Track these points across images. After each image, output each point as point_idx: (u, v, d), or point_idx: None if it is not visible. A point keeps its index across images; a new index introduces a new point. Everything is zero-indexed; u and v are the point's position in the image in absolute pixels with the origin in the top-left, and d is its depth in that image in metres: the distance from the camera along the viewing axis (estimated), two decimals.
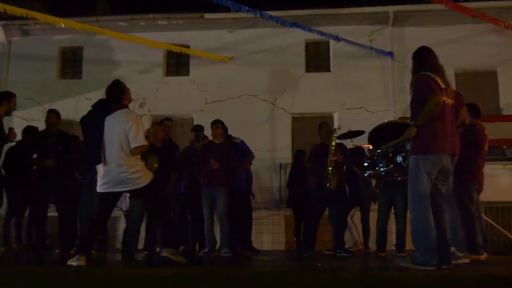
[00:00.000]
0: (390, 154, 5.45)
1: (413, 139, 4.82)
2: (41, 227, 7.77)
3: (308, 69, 14.13)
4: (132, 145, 5.28)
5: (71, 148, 7.99)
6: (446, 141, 4.76)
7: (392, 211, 8.16)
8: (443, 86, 4.79)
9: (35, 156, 7.91)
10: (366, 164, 5.92)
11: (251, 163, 8.94)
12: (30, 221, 8.24)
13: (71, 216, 8.37)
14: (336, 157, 7.75)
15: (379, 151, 5.55)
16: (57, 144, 7.78)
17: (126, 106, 5.55)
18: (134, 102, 13.60)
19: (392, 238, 8.26)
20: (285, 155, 12.77)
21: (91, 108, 5.73)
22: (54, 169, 7.58)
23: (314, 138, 9.87)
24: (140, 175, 5.36)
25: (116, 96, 5.52)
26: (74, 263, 5.13)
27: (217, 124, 8.03)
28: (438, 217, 4.76)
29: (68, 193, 7.86)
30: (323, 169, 7.72)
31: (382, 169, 5.53)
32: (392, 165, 5.43)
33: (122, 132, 5.30)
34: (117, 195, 5.55)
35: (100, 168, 5.37)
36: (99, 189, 5.41)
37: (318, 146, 8.23)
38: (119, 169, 5.27)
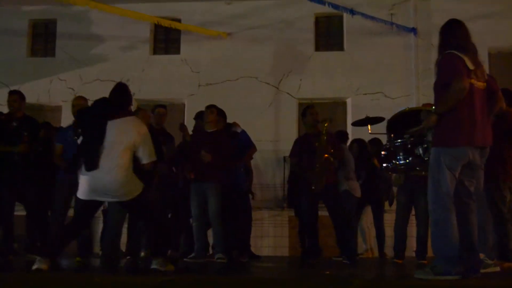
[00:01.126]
0: (409, 145, 5.44)
1: (435, 129, 4.81)
2: (6, 228, 7.78)
3: (318, 47, 14.12)
4: (145, 161, 5.61)
5: (38, 136, 7.95)
6: (475, 131, 4.72)
7: (413, 212, 8.19)
8: (471, 67, 4.75)
9: None
10: (382, 155, 5.93)
11: (252, 158, 8.95)
12: None
13: (41, 215, 8.46)
14: (327, 155, 7.59)
15: (398, 141, 5.54)
16: (21, 129, 7.70)
17: (133, 113, 5.95)
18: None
19: (411, 243, 8.29)
20: (291, 147, 12.66)
21: (92, 104, 5.96)
22: (20, 159, 7.58)
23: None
24: (131, 188, 5.53)
25: (123, 104, 5.79)
26: (34, 266, 5.22)
27: (211, 109, 8.01)
28: (465, 219, 4.75)
29: (37, 189, 7.88)
30: (309, 166, 7.69)
31: (400, 162, 5.53)
32: (411, 158, 5.42)
33: (130, 143, 5.51)
34: (100, 203, 5.76)
35: (86, 172, 5.47)
36: (83, 195, 5.51)
37: (302, 138, 8.22)
38: (110, 177, 5.39)
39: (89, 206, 5.61)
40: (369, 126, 8.13)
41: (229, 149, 7.92)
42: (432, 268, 4.64)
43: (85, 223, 5.82)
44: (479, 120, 4.78)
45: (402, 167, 5.59)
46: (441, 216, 4.66)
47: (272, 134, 12.89)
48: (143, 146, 5.57)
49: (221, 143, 7.84)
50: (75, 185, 5.82)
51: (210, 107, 8.06)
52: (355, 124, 8.22)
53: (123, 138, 5.48)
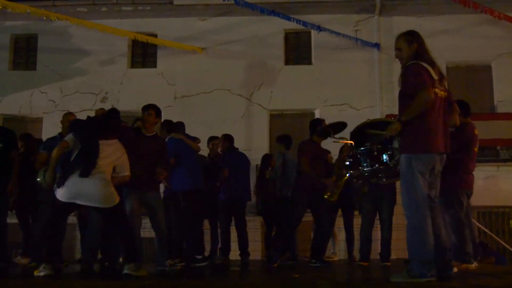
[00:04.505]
0: (375, 153, 5.40)
1: (402, 136, 4.80)
2: None
3: (288, 61, 14.20)
4: (125, 173, 5.99)
5: (15, 144, 7.81)
6: (439, 137, 4.75)
7: (377, 217, 8.25)
8: (435, 77, 4.77)
9: None
10: (347, 162, 5.91)
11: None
12: None
13: (24, 223, 8.41)
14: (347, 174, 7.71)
15: (362, 148, 5.50)
16: None
17: (117, 138, 6.10)
18: (96, 97, 13.58)
19: (376, 246, 8.35)
20: (262, 153, 12.65)
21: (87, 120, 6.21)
22: None
23: (294, 138, 9.95)
24: (111, 198, 5.77)
25: (116, 129, 6.12)
26: (41, 273, 5.48)
27: (149, 110, 7.14)
28: (433, 222, 4.72)
29: (18, 197, 7.79)
30: (322, 174, 7.66)
31: (366, 169, 5.48)
32: (377, 165, 5.39)
33: (114, 162, 5.92)
34: (74, 209, 6.08)
35: (76, 178, 5.64)
36: (65, 197, 5.63)
37: (310, 144, 7.97)
38: (96, 186, 5.66)
39: (66, 210, 5.85)
40: (331, 134, 8.11)
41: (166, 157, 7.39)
42: (408, 271, 4.64)
43: (63, 225, 6.14)
44: (442, 127, 4.81)
45: (367, 174, 5.54)
46: (418, 222, 4.62)
47: (245, 144, 12.68)
48: (124, 160, 6.02)
49: (159, 150, 7.22)
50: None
51: (148, 108, 7.20)
52: (319, 134, 8.16)
53: (111, 156, 5.87)
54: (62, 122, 7.77)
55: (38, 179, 5.97)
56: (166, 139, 7.80)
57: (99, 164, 5.72)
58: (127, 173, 6.00)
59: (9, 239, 7.75)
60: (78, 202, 5.66)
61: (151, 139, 7.05)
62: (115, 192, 5.85)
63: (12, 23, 14.37)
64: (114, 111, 6.27)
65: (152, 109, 7.10)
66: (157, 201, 7.01)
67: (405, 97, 4.81)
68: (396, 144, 5.02)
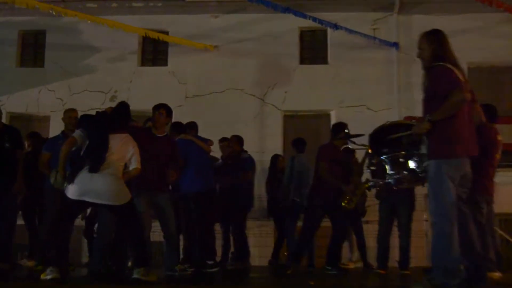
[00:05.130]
0: (402, 159, 5.31)
1: (430, 140, 4.73)
2: None
3: (303, 60, 14.14)
4: (135, 166, 6.00)
5: (21, 144, 7.85)
6: (468, 141, 4.72)
7: (395, 223, 8.22)
8: (462, 79, 4.71)
9: None
10: (369, 170, 5.83)
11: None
12: None
13: (31, 225, 8.43)
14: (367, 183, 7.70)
15: (386, 156, 5.42)
16: (3, 140, 7.57)
17: (127, 132, 6.12)
18: (105, 95, 13.59)
19: (394, 254, 8.30)
20: None
21: (93, 114, 6.24)
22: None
23: (308, 139, 9.93)
24: (122, 195, 5.78)
25: (125, 122, 6.17)
26: (49, 277, 5.49)
27: (160, 110, 7.23)
28: (465, 228, 4.69)
29: (21, 199, 7.85)
30: (342, 180, 7.63)
31: (393, 177, 5.37)
32: (405, 172, 5.29)
33: (125, 157, 5.97)
34: (84, 207, 6.11)
35: (86, 174, 5.65)
36: (73, 195, 5.64)
37: (330, 147, 8.01)
38: (106, 182, 5.66)
39: (74, 210, 5.87)
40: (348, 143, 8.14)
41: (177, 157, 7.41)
42: (429, 280, 4.58)
43: (71, 224, 6.07)
44: (470, 130, 4.77)
45: (394, 182, 5.45)
46: (445, 229, 4.56)
47: (258, 145, 12.74)
48: (135, 153, 6.01)
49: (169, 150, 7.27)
50: (60, 194, 5.88)
51: (159, 108, 7.30)
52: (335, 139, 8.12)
53: (121, 151, 5.88)
54: (63, 119, 7.79)
55: (51, 180, 5.95)
56: (177, 140, 7.80)
57: (109, 159, 5.73)
58: (137, 165, 6.00)
59: (15, 240, 7.79)
60: (87, 199, 5.65)
61: (162, 139, 7.07)
62: (126, 189, 5.86)
63: (20, 19, 14.37)
64: (123, 105, 6.27)
65: (163, 109, 7.15)
66: (167, 203, 6.99)
67: (433, 99, 4.73)
68: (423, 150, 4.91)
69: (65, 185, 5.74)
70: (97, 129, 5.87)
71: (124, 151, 5.92)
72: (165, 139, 7.16)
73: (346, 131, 7.93)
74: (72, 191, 5.64)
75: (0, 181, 7.42)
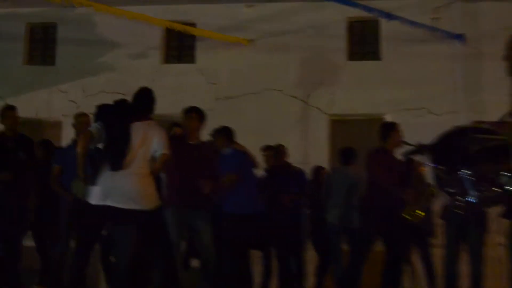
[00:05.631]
0: (492, 175, 5.15)
1: None
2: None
3: (352, 56, 14.06)
4: (161, 151, 5.92)
5: (34, 157, 7.90)
6: None
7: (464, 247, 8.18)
8: None
9: None
10: (450, 189, 5.65)
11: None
12: None
13: (41, 245, 8.54)
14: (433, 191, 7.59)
15: (470, 172, 5.25)
16: (16, 151, 7.69)
17: (152, 119, 6.19)
18: (124, 97, 13.53)
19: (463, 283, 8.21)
20: None
21: (111, 103, 6.23)
22: (12, 184, 7.48)
23: (361, 148, 9.73)
24: (149, 198, 5.79)
25: (149, 108, 6.26)
26: None
27: (191, 114, 7.34)
28: None
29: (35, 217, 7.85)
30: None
31: (481, 196, 5.21)
32: (496, 189, 5.13)
33: (154, 139, 5.96)
34: (110, 216, 5.81)
35: (107, 173, 5.71)
36: (96, 199, 5.70)
37: (383, 153, 7.86)
38: (130, 178, 5.68)
39: (99, 216, 5.88)
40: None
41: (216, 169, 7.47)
42: None
43: (94, 239, 6.24)
44: None
45: (475, 200, 5.27)
46: None
47: (301, 155, 12.63)
48: (160, 139, 6.01)
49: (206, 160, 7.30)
50: (81, 210, 6.11)
51: (191, 111, 7.43)
52: (405, 155, 7.94)
53: (146, 141, 5.91)
54: (74, 125, 7.83)
55: (73, 190, 5.95)
56: (227, 151, 7.90)
57: (133, 153, 5.73)
58: (165, 151, 5.95)
59: (24, 264, 7.80)
60: (110, 203, 5.62)
61: (194, 147, 7.11)
62: (155, 191, 5.87)
63: (28, 10, 14.57)
64: (146, 90, 6.39)
65: (194, 112, 7.25)
66: (203, 221, 6.95)
67: None
68: None
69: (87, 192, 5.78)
70: (116, 119, 5.87)
71: (149, 140, 5.89)
72: (199, 147, 7.17)
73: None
74: (94, 195, 5.68)
75: (13, 196, 7.51)
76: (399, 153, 7.85)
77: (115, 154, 5.69)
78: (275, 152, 9.50)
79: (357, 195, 8.60)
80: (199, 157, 7.04)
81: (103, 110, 6.09)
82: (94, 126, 5.88)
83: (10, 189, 7.48)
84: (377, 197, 7.60)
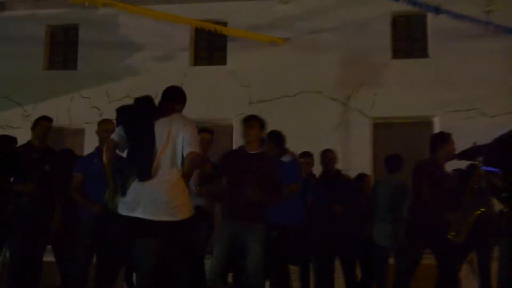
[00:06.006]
0: None
1: None
2: (20, 275, 7.84)
3: (396, 54, 14.06)
4: (189, 149, 5.70)
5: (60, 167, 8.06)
6: None
7: None
8: None
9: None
10: (503, 197, 5.70)
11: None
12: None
13: (61, 261, 8.54)
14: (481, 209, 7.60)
15: None
16: (42, 162, 7.83)
17: (179, 112, 6.09)
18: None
19: None
20: None
21: (132, 103, 6.14)
22: (36, 196, 7.64)
23: (406, 154, 9.77)
24: (184, 204, 5.68)
25: (176, 96, 6.25)
26: None
27: (251, 122, 7.34)
28: None
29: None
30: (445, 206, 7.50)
31: None
32: None
33: (179, 134, 5.77)
34: (139, 227, 5.65)
35: (133, 183, 5.64)
36: (125, 210, 5.63)
37: (432, 165, 7.79)
38: (162, 188, 5.55)
39: (127, 229, 5.73)
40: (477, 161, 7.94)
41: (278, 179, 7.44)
42: None
43: (121, 257, 6.25)
44: None
45: None
46: None
47: (341, 161, 12.49)
48: (188, 135, 5.76)
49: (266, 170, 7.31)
50: (102, 225, 6.21)
51: (250, 120, 7.42)
52: (461, 156, 7.97)
53: (173, 138, 5.75)
54: (97, 132, 7.91)
55: (108, 204, 5.92)
56: (287, 158, 8.01)
57: (159, 157, 5.62)
58: (193, 149, 5.71)
59: (44, 281, 7.93)
60: (139, 215, 5.53)
61: (255, 157, 7.17)
62: (188, 200, 5.74)
63: (48, 12, 14.84)
64: (172, 86, 6.51)
65: (254, 120, 7.28)
66: (256, 236, 6.94)
67: None
68: None
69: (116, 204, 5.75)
70: (136, 119, 5.81)
71: (173, 138, 5.72)
72: (260, 157, 7.24)
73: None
74: (123, 206, 5.61)
75: (36, 209, 7.66)
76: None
77: (139, 161, 5.60)
78: (322, 158, 9.45)
79: (404, 208, 8.61)
80: (261, 168, 7.08)
81: (122, 112, 6.02)
82: (116, 133, 5.84)
83: (33, 202, 7.64)
84: (423, 212, 7.59)
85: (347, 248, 8.94)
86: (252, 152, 7.18)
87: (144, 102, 6.02)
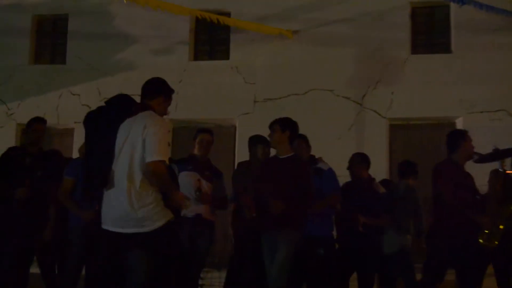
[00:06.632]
0: None
1: None
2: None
3: (416, 49, 14.09)
4: (148, 159, 5.41)
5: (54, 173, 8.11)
6: None
7: None
8: None
9: None
10: None
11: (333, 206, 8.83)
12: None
13: (47, 272, 8.52)
14: None
15: None
16: (36, 167, 7.90)
17: (153, 109, 5.75)
18: None
19: None
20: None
21: (103, 105, 6.01)
22: (27, 203, 7.67)
23: (426, 158, 9.77)
24: (158, 212, 5.50)
25: (148, 91, 5.84)
26: None
27: (273, 126, 7.51)
28: None
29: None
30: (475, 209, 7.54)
31: None
32: None
33: (139, 143, 5.48)
34: (121, 241, 5.60)
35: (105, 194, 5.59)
36: (102, 222, 5.61)
37: (451, 166, 7.82)
38: (123, 197, 5.44)
39: (109, 242, 5.71)
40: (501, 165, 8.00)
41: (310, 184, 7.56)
42: None
43: (105, 270, 6.00)
44: None
45: None
46: None
47: None
48: (149, 138, 5.42)
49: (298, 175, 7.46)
50: (92, 234, 6.26)
51: (275, 124, 7.56)
52: (481, 160, 8.02)
53: (134, 138, 5.50)
54: None
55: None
56: (324, 166, 8.19)
57: (116, 165, 5.53)
58: (153, 157, 5.38)
59: None
60: (106, 227, 5.54)
61: (286, 162, 7.32)
62: (159, 208, 5.52)
63: (34, 1, 14.91)
64: (157, 78, 6.08)
65: (277, 124, 7.42)
66: (283, 243, 7.07)
67: None
68: None
69: None
70: (94, 123, 5.73)
71: (132, 141, 5.48)
72: (291, 161, 7.38)
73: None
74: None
75: (27, 216, 7.70)
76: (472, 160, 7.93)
77: (96, 166, 5.56)
78: (351, 164, 9.39)
79: (407, 215, 8.71)
80: (290, 173, 7.25)
81: (87, 119, 5.95)
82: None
83: (24, 208, 7.67)
84: (446, 219, 7.61)
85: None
86: (283, 156, 7.35)
87: (113, 103, 5.90)
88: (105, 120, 5.71)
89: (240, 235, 8.19)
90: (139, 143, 5.44)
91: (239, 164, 8.85)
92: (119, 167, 5.50)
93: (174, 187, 5.84)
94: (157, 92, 5.82)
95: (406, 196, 8.92)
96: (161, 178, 5.46)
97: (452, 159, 7.83)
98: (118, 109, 5.74)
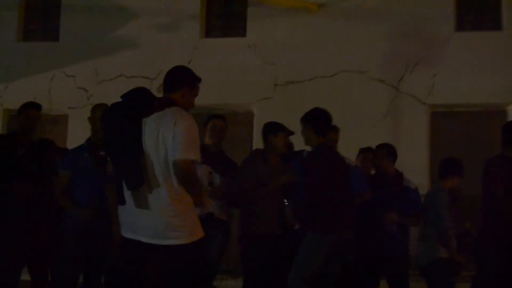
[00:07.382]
0: None
1: None
2: None
3: (461, 25, 14.02)
4: (178, 157, 5.33)
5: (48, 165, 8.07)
6: None
7: None
8: None
9: None
10: None
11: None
12: None
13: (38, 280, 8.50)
14: None
15: None
16: (30, 159, 7.85)
17: (177, 104, 5.61)
18: (150, 82, 13.74)
19: None
20: (420, 178, 12.16)
21: (119, 100, 5.79)
22: (25, 199, 7.67)
23: (473, 150, 9.65)
24: (188, 224, 5.43)
25: (169, 83, 5.71)
26: None
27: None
28: None
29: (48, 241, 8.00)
30: None
31: None
32: None
33: (167, 142, 5.38)
34: (144, 251, 5.49)
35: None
36: (123, 230, 5.55)
37: (504, 161, 7.75)
38: (157, 203, 5.36)
39: (130, 253, 5.55)
40: None
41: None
42: None
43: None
44: None
45: None
46: None
47: None
48: (177, 136, 5.33)
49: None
50: (91, 235, 6.45)
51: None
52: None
53: (165, 137, 5.39)
54: (90, 119, 7.84)
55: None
56: (351, 163, 8.41)
57: (148, 165, 5.40)
58: (181, 156, 5.33)
59: None
60: (132, 237, 5.43)
61: (343, 160, 7.82)
62: (189, 217, 5.47)
63: None
64: (174, 68, 5.97)
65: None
66: (303, 245, 7.33)
67: None
68: None
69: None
70: (120, 122, 5.55)
71: (162, 140, 5.38)
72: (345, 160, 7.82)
73: None
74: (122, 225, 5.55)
75: (19, 215, 7.67)
76: None
77: (123, 173, 5.47)
78: (374, 156, 9.35)
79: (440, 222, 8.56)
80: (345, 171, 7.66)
81: (106, 111, 6.00)
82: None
83: (22, 205, 7.69)
84: (499, 225, 7.57)
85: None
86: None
87: (132, 96, 5.72)
88: (131, 116, 5.51)
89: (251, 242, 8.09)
90: (168, 143, 5.35)
91: (252, 153, 8.84)
92: (152, 168, 5.39)
93: (205, 192, 5.90)
94: (179, 83, 5.66)
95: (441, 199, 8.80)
96: (191, 180, 5.41)
97: (505, 154, 7.76)
98: (142, 104, 5.56)
